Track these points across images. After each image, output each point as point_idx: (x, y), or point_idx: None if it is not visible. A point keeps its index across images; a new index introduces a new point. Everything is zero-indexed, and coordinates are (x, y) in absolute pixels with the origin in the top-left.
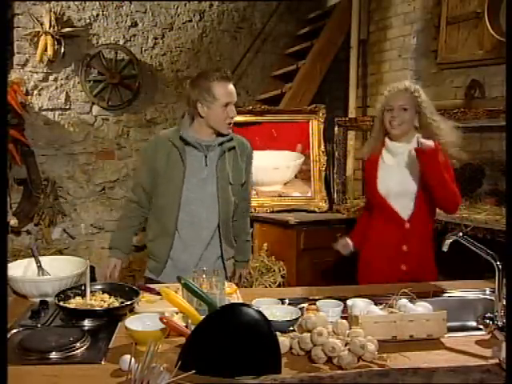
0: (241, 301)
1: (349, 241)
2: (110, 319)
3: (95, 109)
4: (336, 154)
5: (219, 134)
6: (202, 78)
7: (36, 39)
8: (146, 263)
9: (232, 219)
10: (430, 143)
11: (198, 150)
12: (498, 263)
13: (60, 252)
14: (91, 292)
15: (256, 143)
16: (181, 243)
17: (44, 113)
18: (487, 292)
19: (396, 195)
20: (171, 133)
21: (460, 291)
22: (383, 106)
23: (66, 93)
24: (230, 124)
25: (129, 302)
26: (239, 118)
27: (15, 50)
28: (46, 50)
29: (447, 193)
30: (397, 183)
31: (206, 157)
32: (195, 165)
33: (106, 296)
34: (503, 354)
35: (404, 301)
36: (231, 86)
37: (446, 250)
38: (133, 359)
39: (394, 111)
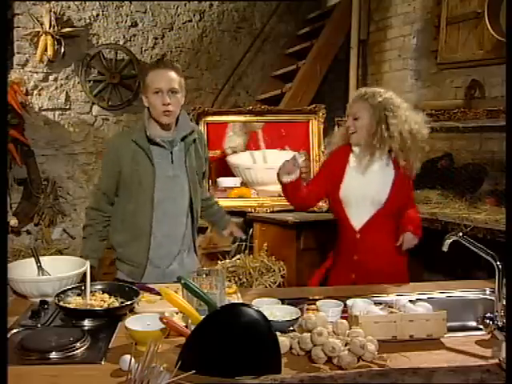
0: (241, 301)
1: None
2: (110, 319)
3: (95, 109)
4: None
5: (180, 129)
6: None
7: (36, 39)
8: (116, 267)
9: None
10: (410, 239)
11: (162, 147)
12: (498, 263)
13: (60, 252)
14: (91, 292)
15: (256, 143)
16: (156, 244)
17: (44, 113)
18: (487, 292)
19: (354, 202)
20: (132, 133)
21: (460, 291)
22: None
23: (66, 93)
24: (166, 112)
25: (129, 302)
26: (240, 118)
27: (15, 50)
28: (46, 50)
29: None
30: (358, 190)
31: (171, 153)
32: (162, 163)
33: (105, 296)
34: (503, 354)
35: (404, 301)
36: (166, 73)
37: (446, 250)
38: (133, 359)
39: (349, 120)
